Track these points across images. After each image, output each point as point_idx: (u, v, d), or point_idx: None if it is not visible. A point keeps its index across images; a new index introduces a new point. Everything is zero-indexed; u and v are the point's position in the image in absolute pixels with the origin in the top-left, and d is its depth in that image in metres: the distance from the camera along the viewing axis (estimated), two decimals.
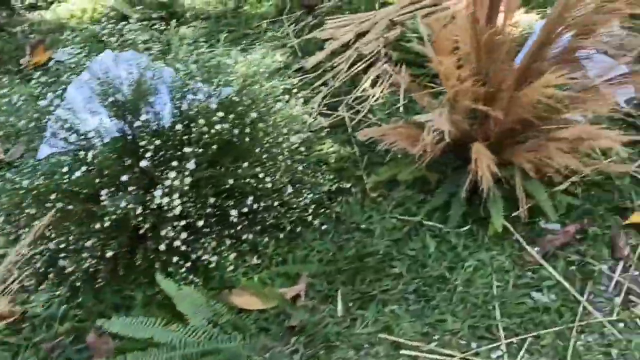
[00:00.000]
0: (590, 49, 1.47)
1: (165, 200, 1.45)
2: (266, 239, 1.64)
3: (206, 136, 1.54)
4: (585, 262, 1.57)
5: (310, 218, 1.67)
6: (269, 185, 1.58)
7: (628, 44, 2.35)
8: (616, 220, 1.67)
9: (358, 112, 2.14)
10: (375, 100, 2.17)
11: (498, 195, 1.64)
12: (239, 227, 1.59)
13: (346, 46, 2.48)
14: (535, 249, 1.61)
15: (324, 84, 2.29)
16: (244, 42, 2.56)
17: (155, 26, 2.65)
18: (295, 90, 1.90)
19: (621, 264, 1.56)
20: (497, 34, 1.54)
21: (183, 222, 1.51)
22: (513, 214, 1.65)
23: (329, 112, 2.14)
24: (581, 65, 1.72)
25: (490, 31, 1.51)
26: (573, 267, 1.56)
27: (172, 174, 1.46)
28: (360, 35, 2.51)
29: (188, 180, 1.47)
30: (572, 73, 1.53)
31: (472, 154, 1.54)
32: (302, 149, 1.72)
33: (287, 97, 1.89)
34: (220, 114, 1.55)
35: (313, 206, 1.69)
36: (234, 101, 1.65)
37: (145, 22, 2.70)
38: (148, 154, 1.52)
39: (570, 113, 1.55)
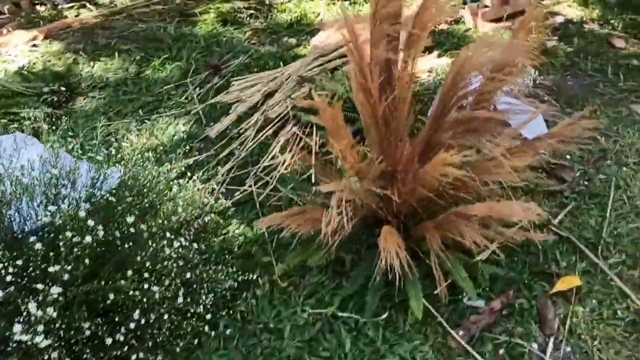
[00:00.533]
0: (487, 116, 1.36)
1: (26, 337, 1.23)
2: (160, 357, 1.43)
3: (77, 249, 1.33)
4: (514, 343, 1.44)
5: (209, 327, 1.47)
6: (157, 295, 1.39)
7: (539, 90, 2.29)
8: (543, 287, 1.56)
9: (267, 183, 1.98)
10: (286, 168, 2.02)
11: (416, 277, 1.50)
12: (125, 348, 1.38)
13: (254, 108, 2.32)
14: (460, 332, 1.47)
15: (231, 153, 2.12)
16: (144, 111, 2.37)
17: (47, 101, 2.46)
18: (189, 174, 1.71)
19: (552, 340, 1.44)
20: (394, 105, 1.41)
21: (55, 354, 1.30)
22: (435, 292, 1.52)
23: (235, 187, 1.97)
24: (501, 118, 1.61)
25: (385, 104, 1.38)
26: (502, 350, 1.43)
27: (33, 305, 1.24)
28: (269, 95, 2.37)
29: (52, 308, 1.26)
30: (474, 141, 1.42)
31: (379, 238, 1.39)
32: (195, 245, 1.53)
33: (181, 181, 1.71)
34: (91, 222, 1.35)
35: (214, 309, 1.51)
36: (111, 202, 1.45)
37: (36, 97, 2.49)
38: (8, 278, 1.30)
39: (478, 183, 1.43)
